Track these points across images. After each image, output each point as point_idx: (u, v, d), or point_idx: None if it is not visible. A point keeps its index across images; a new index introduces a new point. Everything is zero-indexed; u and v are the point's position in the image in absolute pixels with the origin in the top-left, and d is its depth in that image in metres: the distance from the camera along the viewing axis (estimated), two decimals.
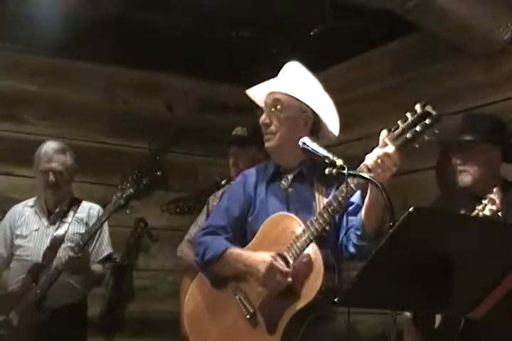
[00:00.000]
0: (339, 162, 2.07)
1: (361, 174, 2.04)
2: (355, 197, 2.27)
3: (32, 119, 4.66)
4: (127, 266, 4.76)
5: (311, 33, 4.22)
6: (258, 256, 2.28)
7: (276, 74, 2.56)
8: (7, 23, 4.18)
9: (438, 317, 2.59)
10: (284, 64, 2.58)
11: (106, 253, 3.70)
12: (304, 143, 2.20)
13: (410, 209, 1.63)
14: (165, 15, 4.06)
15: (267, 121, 2.43)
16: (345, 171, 2.04)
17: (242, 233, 2.46)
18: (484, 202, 2.57)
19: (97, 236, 3.58)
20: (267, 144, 2.46)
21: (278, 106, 2.42)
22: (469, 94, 3.88)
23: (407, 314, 2.86)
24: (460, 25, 3.55)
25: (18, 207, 3.73)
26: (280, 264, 2.23)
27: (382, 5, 3.49)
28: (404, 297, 1.80)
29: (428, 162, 3.96)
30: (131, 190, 3.47)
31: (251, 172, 2.56)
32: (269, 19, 4.13)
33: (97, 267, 3.65)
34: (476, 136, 2.86)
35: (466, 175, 2.90)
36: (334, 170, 2.06)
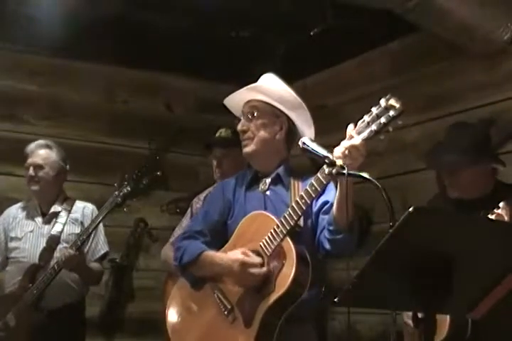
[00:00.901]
0: (339, 162, 2.08)
1: (361, 174, 2.05)
2: (331, 197, 2.30)
3: (32, 119, 4.66)
4: (127, 266, 4.76)
5: (311, 33, 4.23)
6: (230, 256, 2.37)
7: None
8: (7, 23, 4.18)
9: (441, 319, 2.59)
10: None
11: (102, 252, 3.71)
12: (304, 143, 2.21)
13: (410, 209, 1.63)
14: (165, 15, 4.06)
15: (244, 127, 2.54)
16: (345, 171, 2.06)
17: (222, 236, 2.53)
18: (491, 217, 2.53)
19: (92, 235, 3.56)
20: (244, 150, 2.55)
21: (255, 113, 2.52)
22: (469, 94, 3.89)
23: (407, 314, 2.85)
24: (460, 25, 3.55)
25: (11, 210, 3.72)
26: (252, 258, 2.31)
27: (382, 5, 3.49)
28: (404, 297, 1.80)
29: None
30: (128, 188, 3.47)
31: (230, 180, 2.67)
32: (269, 19, 4.13)
33: (94, 265, 3.65)
34: (459, 157, 2.83)
35: (453, 192, 2.93)
36: (334, 170, 2.08)
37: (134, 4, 3.98)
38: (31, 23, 4.07)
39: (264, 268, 2.29)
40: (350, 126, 2.11)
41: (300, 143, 2.23)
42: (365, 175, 2.05)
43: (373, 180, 2.01)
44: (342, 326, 4.37)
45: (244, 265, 2.30)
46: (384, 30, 4.11)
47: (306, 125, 2.53)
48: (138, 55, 4.57)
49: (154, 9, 4.02)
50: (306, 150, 2.21)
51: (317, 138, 2.45)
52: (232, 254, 2.37)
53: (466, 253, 1.74)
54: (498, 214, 2.50)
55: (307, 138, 2.26)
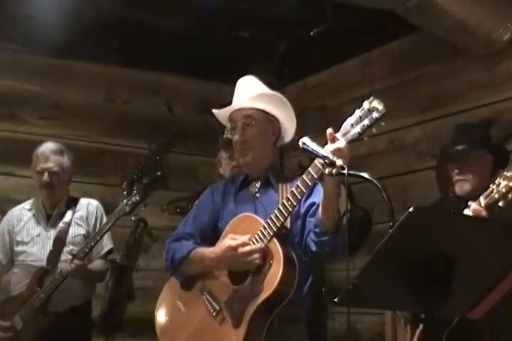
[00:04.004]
0: (339, 162, 2.08)
1: (361, 174, 2.06)
2: (318, 198, 2.30)
3: (32, 119, 4.66)
4: (127, 266, 4.76)
5: (311, 33, 4.23)
6: (220, 245, 2.39)
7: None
8: (7, 23, 4.18)
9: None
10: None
11: (107, 249, 3.70)
12: (304, 143, 2.21)
13: (410, 209, 1.63)
14: (165, 15, 4.06)
15: (242, 138, 2.51)
16: (345, 171, 2.05)
17: (212, 239, 2.53)
18: (499, 179, 2.51)
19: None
20: (242, 160, 2.54)
21: (252, 122, 2.50)
22: (469, 94, 3.89)
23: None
24: (460, 25, 3.56)
25: (15, 212, 3.70)
26: (239, 240, 2.32)
27: (382, 5, 3.49)
28: (404, 297, 1.80)
29: (428, 162, 3.96)
30: (137, 197, 3.47)
31: (219, 184, 2.71)
32: (269, 19, 4.14)
33: (98, 263, 3.65)
34: (468, 144, 2.94)
35: (465, 184, 2.95)
36: (334, 170, 2.08)
37: (134, 4, 3.98)
38: (31, 23, 4.06)
39: (257, 245, 2.29)
40: (329, 130, 2.15)
41: (300, 143, 2.23)
42: (365, 175, 2.05)
43: (373, 180, 2.02)
44: (342, 326, 4.37)
45: (235, 248, 2.31)
46: (384, 30, 4.12)
47: (290, 122, 2.55)
48: (138, 55, 4.57)
49: (154, 9, 4.02)
50: (305, 150, 2.21)
51: (317, 138, 2.46)
52: (221, 243, 2.39)
53: (466, 253, 1.74)
54: (507, 176, 2.47)
55: (307, 138, 2.26)
